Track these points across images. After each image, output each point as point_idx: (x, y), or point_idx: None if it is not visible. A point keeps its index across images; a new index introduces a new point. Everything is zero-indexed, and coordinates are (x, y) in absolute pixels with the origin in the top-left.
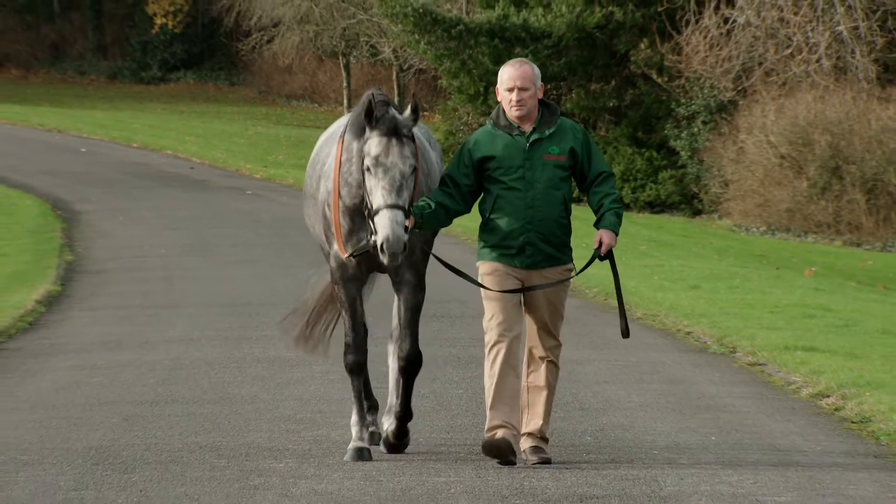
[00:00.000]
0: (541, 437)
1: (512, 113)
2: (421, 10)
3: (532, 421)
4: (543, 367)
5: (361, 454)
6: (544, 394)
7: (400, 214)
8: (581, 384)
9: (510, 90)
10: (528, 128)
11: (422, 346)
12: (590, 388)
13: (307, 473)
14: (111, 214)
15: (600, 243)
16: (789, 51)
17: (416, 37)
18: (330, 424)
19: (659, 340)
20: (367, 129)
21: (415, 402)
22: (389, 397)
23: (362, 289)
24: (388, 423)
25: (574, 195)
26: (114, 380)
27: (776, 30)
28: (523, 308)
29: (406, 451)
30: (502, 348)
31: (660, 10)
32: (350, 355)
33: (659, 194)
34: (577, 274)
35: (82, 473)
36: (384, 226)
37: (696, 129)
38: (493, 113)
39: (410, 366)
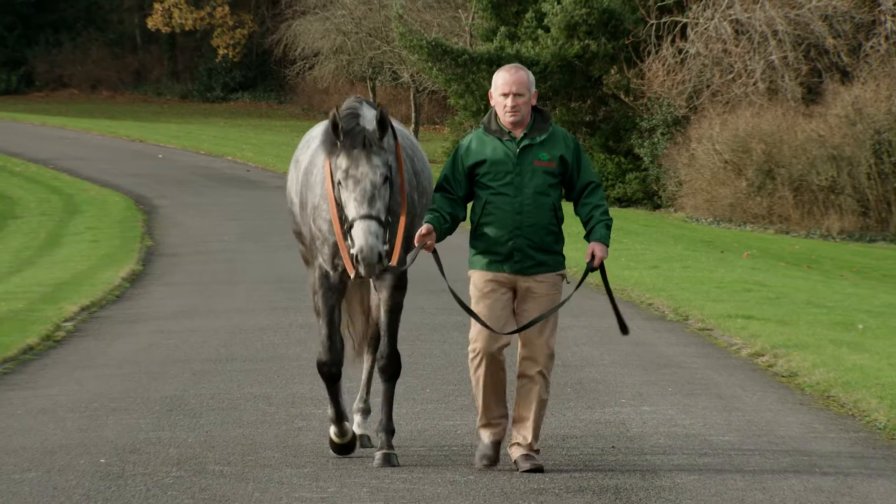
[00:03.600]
0: (530, 450)
1: (506, 119)
2: (433, 43)
3: (522, 434)
4: (535, 382)
5: (345, 448)
6: (535, 409)
7: (373, 224)
8: (562, 346)
9: (505, 95)
10: (519, 133)
11: (432, 316)
12: (570, 349)
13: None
14: (183, 208)
15: (592, 256)
16: (731, 76)
17: (430, 64)
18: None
19: (626, 310)
20: (337, 143)
21: (426, 362)
22: (360, 391)
23: (342, 299)
24: (359, 419)
25: None
26: (185, 342)
27: (721, 59)
28: (514, 316)
29: (396, 462)
30: (485, 358)
31: (627, 42)
32: (325, 366)
33: (626, 192)
34: (575, 290)
35: (159, 418)
36: (358, 237)
37: (656, 139)
38: (485, 118)
39: (389, 368)
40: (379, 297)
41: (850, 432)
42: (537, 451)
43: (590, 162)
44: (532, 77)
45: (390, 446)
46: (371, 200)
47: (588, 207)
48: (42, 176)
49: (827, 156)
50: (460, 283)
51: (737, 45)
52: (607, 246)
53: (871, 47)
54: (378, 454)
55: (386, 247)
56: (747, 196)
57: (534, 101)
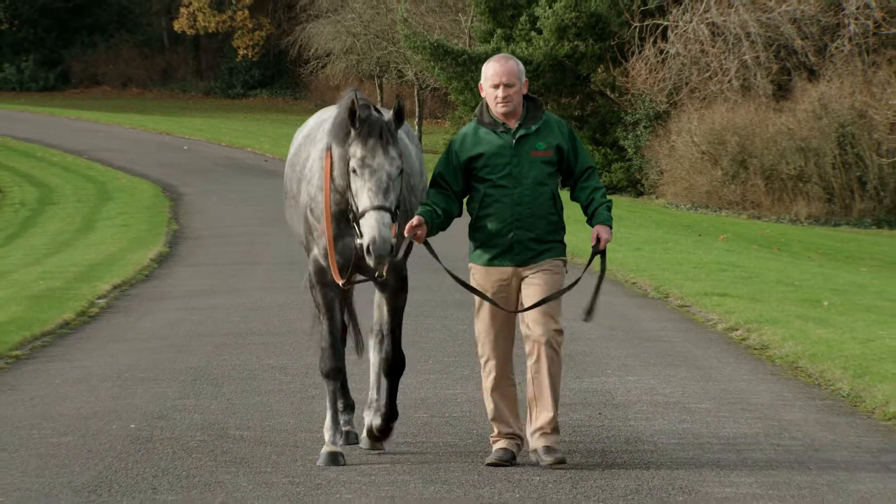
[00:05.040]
0: (552, 429)
1: (497, 109)
2: (435, 44)
3: (541, 414)
4: (544, 356)
5: (335, 459)
6: (549, 385)
7: (387, 216)
8: None
9: (496, 86)
10: (513, 124)
11: (433, 294)
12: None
13: (351, 386)
14: (206, 195)
15: (598, 239)
16: (708, 74)
17: (432, 63)
18: (368, 351)
19: (611, 289)
20: (352, 131)
21: (429, 336)
22: (370, 391)
23: (340, 293)
24: (369, 418)
25: None
26: (208, 317)
27: (698, 58)
28: (519, 304)
29: (386, 444)
30: (496, 363)
31: (612, 43)
32: (327, 361)
33: (612, 180)
34: (583, 273)
35: (185, 387)
36: (371, 227)
37: (639, 132)
38: (477, 110)
39: (393, 368)
40: (381, 299)
41: (817, 400)
42: (558, 431)
43: (584, 146)
44: (522, 66)
45: (387, 429)
46: (386, 192)
47: (587, 191)
48: (77, 166)
49: (795, 147)
50: (458, 261)
51: (713, 46)
52: (611, 228)
53: (836, 48)
54: (364, 438)
55: (395, 240)
56: (722, 184)
57: (525, 90)
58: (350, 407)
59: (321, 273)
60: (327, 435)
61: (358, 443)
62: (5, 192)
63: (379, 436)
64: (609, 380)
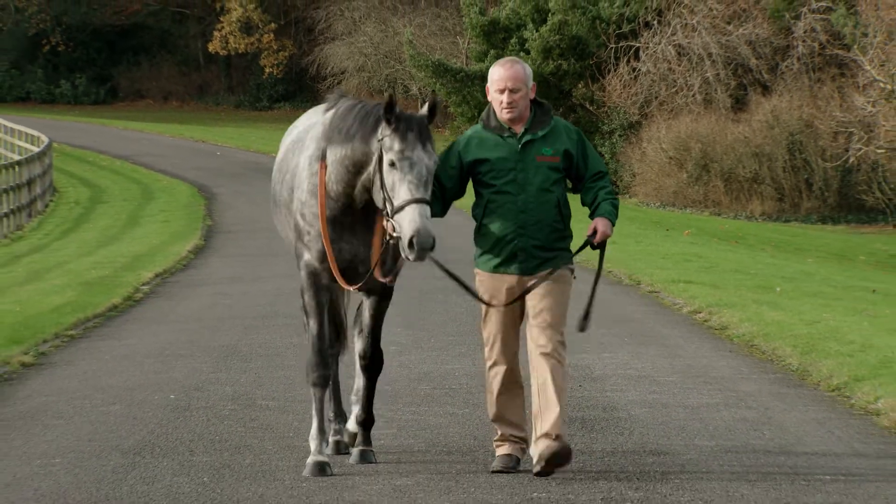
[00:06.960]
0: (556, 438)
1: (502, 115)
2: (437, 63)
3: (546, 423)
4: (549, 368)
5: (322, 469)
6: (554, 397)
7: (428, 209)
8: None
9: (501, 91)
10: (519, 129)
11: (437, 280)
12: None
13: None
14: (236, 195)
15: (594, 232)
16: (675, 89)
17: (434, 80)
18: (385, 333)
19: (589, 277)
20: (385, 126)
21: (431, 318)
22: (356, 380)
23: (330, 299)
24: (355, 410)
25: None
26: (238, 302)
27: (667, 75)
28: (525, 313)
29: (372, 459)
30: (503, 368)
31: (591, 62)
32: (315, 369)
33: None
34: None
35: (217, 362)
36: (413, 220)
37: (614, 140)
38: (484, 113)
39: (372, 364)
40: (364, 303)
41: (770, 374)
42: (561, 438)
43: (595, 151)
44: (529, 70)
45: (368, 442)
46: (426, 185)
47: (593, 190)
48: (124, 169)
49: (751, 153)
50: (457, 260)
51: (679, 65)
52: (612, 224)
53: (786, 66)
54: (355, 451)
55: (434, 235)
56: (687, 185)
57: (532, 95)
58: (342, 417)
59: (314, 277)
60: (313, 444)
61: (349, 453)
62: (62, 192)
63: (363, 449)
64: (588, 356)
